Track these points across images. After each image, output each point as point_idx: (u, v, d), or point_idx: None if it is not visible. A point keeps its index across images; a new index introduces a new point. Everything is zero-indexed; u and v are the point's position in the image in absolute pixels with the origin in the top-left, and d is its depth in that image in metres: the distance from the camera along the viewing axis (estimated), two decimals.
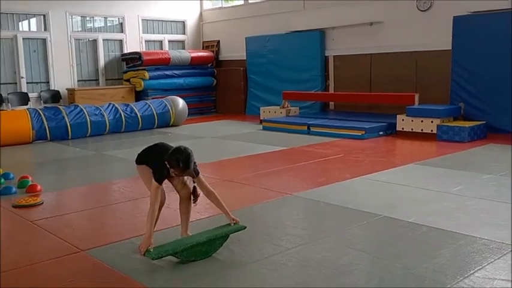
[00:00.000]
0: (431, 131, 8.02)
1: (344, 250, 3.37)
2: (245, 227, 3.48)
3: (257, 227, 3.85)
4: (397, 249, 3.35)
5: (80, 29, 12.35)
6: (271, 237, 3.66)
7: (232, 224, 3.44)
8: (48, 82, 11.76)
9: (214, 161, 6.56)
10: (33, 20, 11.64)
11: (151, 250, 3.13)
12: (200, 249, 3.25)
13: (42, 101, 11.39)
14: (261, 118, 10.49)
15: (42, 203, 4.72)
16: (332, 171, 5.89)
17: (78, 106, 9.45)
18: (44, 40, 11.63)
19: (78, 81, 12.23)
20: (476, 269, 2.98)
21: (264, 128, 9.69)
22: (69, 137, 8.96)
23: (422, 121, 8.16)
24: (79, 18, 12.27)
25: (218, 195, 3.46)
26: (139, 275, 3.04)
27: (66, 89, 11.80)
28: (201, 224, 3.92)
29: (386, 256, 3.24)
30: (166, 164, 3.21)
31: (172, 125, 10.51)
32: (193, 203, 3.47)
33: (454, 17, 8.67)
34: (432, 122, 8.03)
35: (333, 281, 2.90)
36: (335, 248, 3.42)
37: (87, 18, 12.47)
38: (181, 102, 10.66)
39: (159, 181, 3.30)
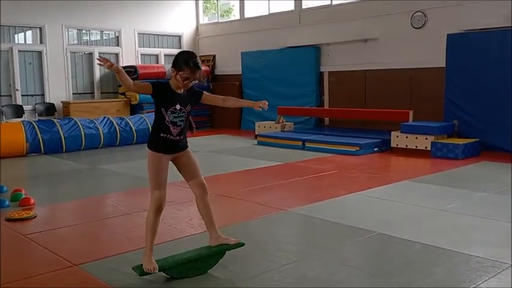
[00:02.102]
0: (426, 147, 8.06)
1: (339, 267, 3.36)
2: (243, 244, 3.43)
3: (252, 243, 3.82)
4: (392, 267, 3.35)
5: (76, 41, 12.38)
6: (266, 253, 3.64)
7: None
8: (43, 95, 11.75)
9: (209, 176, 6.48)
10: (29, 33, 11.66)
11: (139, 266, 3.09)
12: (194, 266, 3.22)
13: (36, 114, 11.37)
14: (256, 133, 10.51)
15: (36, 216, 4.68)
16: (327, 187, 5.90)
17: (72, 119, 9.43)
18: (40, 53, 11.64)
19: (73, 94, 12.23)
20: (471, 287, 2.97)
21: (259, 143, 9.70)
22: (64, 150, 8.93)
23: (416, 138, 8.20)
24: (75, 31, 12.30)
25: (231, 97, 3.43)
26: None
27: (61, 101, 11.79)
28: (195, 239, 3.90)
29: (382, 273, 3.23)
30: (173, 73, 3.03)
31: None
32: (192, 133, 3.33)
33: (447, 34, 8.77)
34: (426, 138, 8.07)
35: None
36: (330, 264, 3.41)
37: (83, 31, 12.51)
38: None
39: (155, 88, 3.05)
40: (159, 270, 3.10)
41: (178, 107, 3.12)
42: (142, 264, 3.09)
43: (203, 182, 3.34)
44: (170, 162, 3.26)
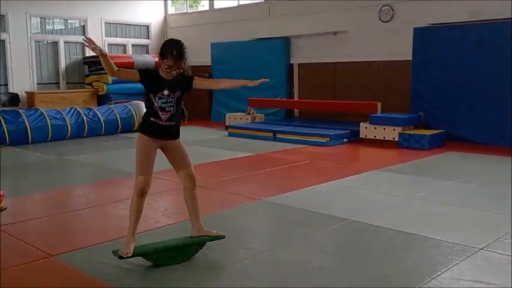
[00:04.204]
0: (393, 138, 8.24)
1: (315, 253, 3.44)
2: (224, 237, 3.43)
3: (228, 232, 3.83)
4: (367, 252, 3.44)
5: (38, 30, 12.04)
6: (243, 241, 3.68)
7: None
8: (7, 85, 11.40)
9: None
10: None
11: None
12: (173, 254, 3.24)
13: (0, 104, 11.03)
14: (227, 124, 10.51)
15: (6, 208, 4.58)
16: (299, 177, 5.97)
17: (38, 109, 9.21)
18: (3, 41, 11.28)
19: (37, 84, 11.91)
20: (442, 271, 3.09)
21: (230, 134, 9.70)
22: (30, 141, 8.72)
23: (384, 129, 8.38)
24: (39, 19, 11.97)
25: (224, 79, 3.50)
26: (113, 280, 3.00)
27: (26, 92, 11.47)
28: (170, 229, 3.90)
29: (357, 259, 3.32)
30: (158, 59, 3.07)
31: (136, 130, 10.28)
32: (183, 121, 3.38)
33: (414, 28, 8.97)
34: (394, 130, 8.26)
35: (305, 284, 2.95)
36: (306, 251, 3.48)
37: (47, 20, 12.19)
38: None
39: (142, 75, 3.11)
40: (138, 255, 3.12)
41: (166, 92, 3.12)
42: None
43: (193, 173, 3.34)
44: (159, 150, 3.27)
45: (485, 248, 3.46)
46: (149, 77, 3.15)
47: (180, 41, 3.11)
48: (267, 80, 3.35)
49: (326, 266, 3.22)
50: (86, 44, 2.97)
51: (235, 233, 3.86)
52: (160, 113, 3.14)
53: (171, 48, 3.03)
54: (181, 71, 3.14)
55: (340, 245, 3.65)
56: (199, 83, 3.31)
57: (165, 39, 3.17)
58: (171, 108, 3.17)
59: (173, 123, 3.22)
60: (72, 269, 3.17)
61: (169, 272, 3.12)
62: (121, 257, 3.09)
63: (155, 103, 3.12)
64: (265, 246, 3.57)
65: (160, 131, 3.19)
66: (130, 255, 3.09)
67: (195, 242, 3.35)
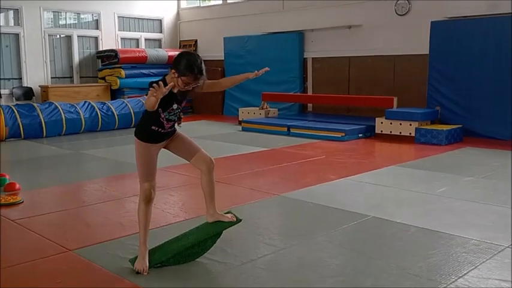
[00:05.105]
0: (410, 133, 8.13)
1: (337, 250, 3.37)
2: (240, 220, 3.28)
3: (248, 227, 3.81)
4: (390, 249, 3.37)
5: (52, 24, 12.05)
6: (264, 237, 3.62)
7: None
8: (21, 78, 11.44)
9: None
10: (5, 15, 11.30)
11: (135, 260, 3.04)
12: (191, 251, 3.14)
13: (14, 98, 11.07)
14: (240, 119, 10.45)
15: (23, 201, 4.57)
16: (316, 172, 5.90)
17: (52, 103, 9.21)
18: (17, 35, 11.30)
19: (51, 78, 11.94)
20: (470, 269, 3.01)
21: (243, 129, 9.64)
22: (44, 135, 8.73)
23: (400, 124, 8.27)
24: (52, 13, 11.97)
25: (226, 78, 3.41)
26: (132, 276, 2.96)
27: (39, 86, 11.50)
28: (189, 224, 3.85)
29: (380, 256, 3.25)
30: (172, 75, 2.81)
31: None
32: (178, 125, 3.17)
33: (431, 21, 8.83)
34: (411, 125, 8.14)
35: (329, 281, 2.89)
36: (328, 248, 3.42)
37: (61, 14, 12.19)
38: None
39: (154, 103, 2.69)
40: (157, 264, 3.04)
41: (175, 106, 2.99)
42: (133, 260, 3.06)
43: (205, 154, 3.18)
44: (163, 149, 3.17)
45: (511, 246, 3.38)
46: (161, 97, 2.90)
47: (197, 55, 2.90)
48: (268, 69, 3.21)
49: (348, 263, 3.15)
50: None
51: (255, 228, 3.80)
52: (165, 123, 3.00)
53: (192, 66, 2.80)
54: (197, 85, 2.95)
55: (361, 242, 3.57)
56: (204, 88, 3.10)
57: (180, 53, 2.92)
58: (175, 117, 3.06)
59: (172, 128, 3.11)
60: (92, 264, 3.13)
61: (189, 268, 3.07)
62: (138, 273, 2.97)
63: (163, 115, 2.97)
64: (286, 242, 3.51)
65: (161, 137, 3.07)
66: (147, 272, 2.95)
67: (214, 232, 3.21)
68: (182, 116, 3.23)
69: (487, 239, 3.51)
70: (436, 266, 3.07)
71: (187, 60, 2.81)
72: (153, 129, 3.00)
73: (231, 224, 3.26)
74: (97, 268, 3.08)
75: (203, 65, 2.87)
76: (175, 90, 2.92)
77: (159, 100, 2.70)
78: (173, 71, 2.84)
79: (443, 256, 3.23)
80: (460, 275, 2.93)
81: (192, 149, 3.19)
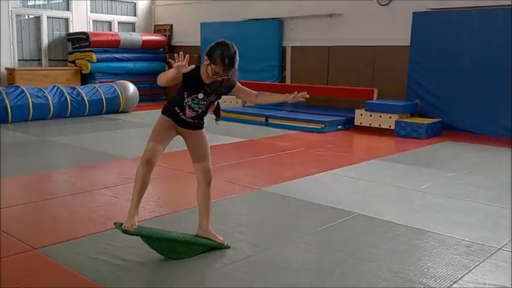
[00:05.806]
0: (389, 126, 8.02)
1: (325, 251, 3.18)
2: (229, 247, 3.15)
3: (228, 224, 3.59)
4: (380, 250, 3.19)
5: (20, 5, 11.47)
6: (246, 235, 3.41)
7: None
8: None
9: (170, 152, 6.17)
10: None
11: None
12: (175, 247, 2.96)
13: None
14: None
15: None
16: (297, 165, 5.70)
17: (19, 87, 8.74)
18: None
19: (18, 60, 11.38)
20: (464, 273, 2.87)
21: (220, 118, 9.34)
22: (9, 121, 8.28)
23: (380, 116, 8.14)
24: None
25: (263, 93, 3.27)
26: (103, 278, 2.70)
27: (5, 68, 10.94)
28: (164, 220, 3.60)
29: (371, 258, 3.07)
30: (205, 61, 2.79)
31: (122, 112, 9.98)
32: (216, 122, 3.15)
33: (413, 13, 8.70)
34: (390, 117, 8.03)
35: (320, 286, 2.70)
36: (316, 248, 3.23)
37: None
38: (131, 88, 10.14)
39: (185, 77, 2.81)
40: (142, 235, 2.86)
41: (201, 96, 2.92)
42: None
43: (208, 168, 3.10)
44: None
45: (503, 248, 3.25)
46: (189, 79, 2.88)
47: (232, 46, 2.81)
48: (307, 96, 3.02)
49: (340, 265, 2.96)
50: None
51: (237, 226, 3.59)
52: (187, 109, 2.94)
53: (223, 56, 2.75)
54: (227, 78, 2.85)
55: (351, 242, 3.37)
56: (238, 90, 3.06)
57: (217, 41, 2.84)
58: (200, 109, 2.97)
59: (196, 121, 3.01)
60: (58, 265, 2.86)
61: (167, 270, 2.83)
62: (124, 231, 2.78)
63: (186, 100, 2.92)
64: (271, 242, 3.29)
65: (179, 121, 2.99)
66: (136, 226, 2.80)
67: (203, 242, 3.07)
68: (220, 112, 3.19)
69: (478, 239, 3.38)
70: (429, 270, 2.91)
71: (221, 49, 2.78)
72: (176, 111, 2.98)
73: (220, 245, 3.14)
74: (64, 269, 2.81)
75: (237, 56, 2.81)
76: (207, 81, 2.88)
77: (175, 75, 2.75)
78: (206, 57, 2.82)
79: (435, 258, 3.07)
80: (455, 280, 2.79)
81: (200, 155, 3.10)
